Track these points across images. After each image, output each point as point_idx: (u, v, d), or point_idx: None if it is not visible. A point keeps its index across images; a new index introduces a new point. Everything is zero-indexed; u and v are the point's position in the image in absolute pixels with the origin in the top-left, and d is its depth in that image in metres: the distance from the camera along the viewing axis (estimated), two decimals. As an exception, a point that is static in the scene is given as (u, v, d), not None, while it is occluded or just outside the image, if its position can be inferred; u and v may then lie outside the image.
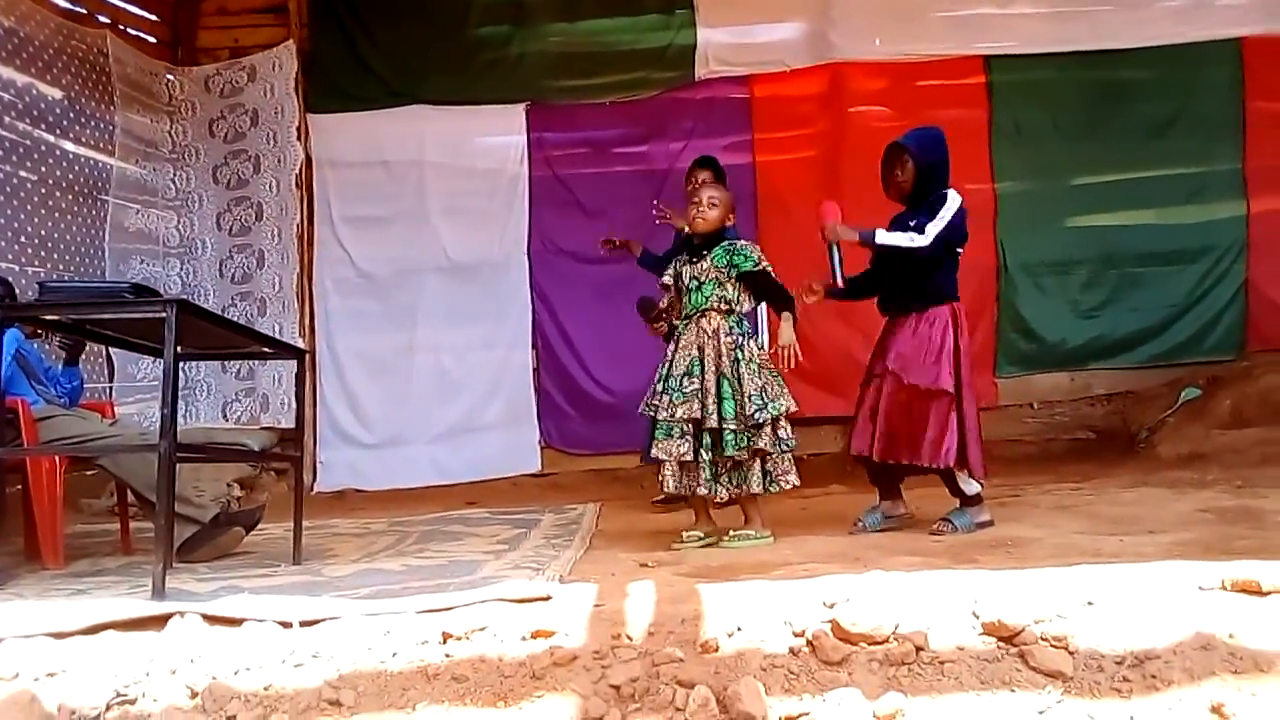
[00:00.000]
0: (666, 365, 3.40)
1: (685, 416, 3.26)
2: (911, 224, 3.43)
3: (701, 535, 3.36)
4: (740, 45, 6.38)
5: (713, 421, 3.23)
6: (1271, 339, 5.90)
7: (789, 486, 3.35)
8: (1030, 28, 6.19)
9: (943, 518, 3.39)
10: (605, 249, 4.85)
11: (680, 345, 3.40)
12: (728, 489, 3.35)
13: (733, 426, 3.23)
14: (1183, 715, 1.62)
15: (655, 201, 4.81)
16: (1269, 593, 1.90)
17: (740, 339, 3.35)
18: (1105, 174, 6.16)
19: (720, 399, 3.25)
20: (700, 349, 3.34)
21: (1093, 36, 6.11)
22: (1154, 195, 6.12)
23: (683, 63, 6.40)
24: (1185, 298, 6.03)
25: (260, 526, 3.80)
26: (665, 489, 3.37)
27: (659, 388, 3.38)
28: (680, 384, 3.31)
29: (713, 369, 3.29)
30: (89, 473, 4.34)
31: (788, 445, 3.32)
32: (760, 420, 3.23)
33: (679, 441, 3.28)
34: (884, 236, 3.41)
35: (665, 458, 3.30)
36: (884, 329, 3.60)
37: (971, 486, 3.43)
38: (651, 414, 3.38)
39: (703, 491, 3.32)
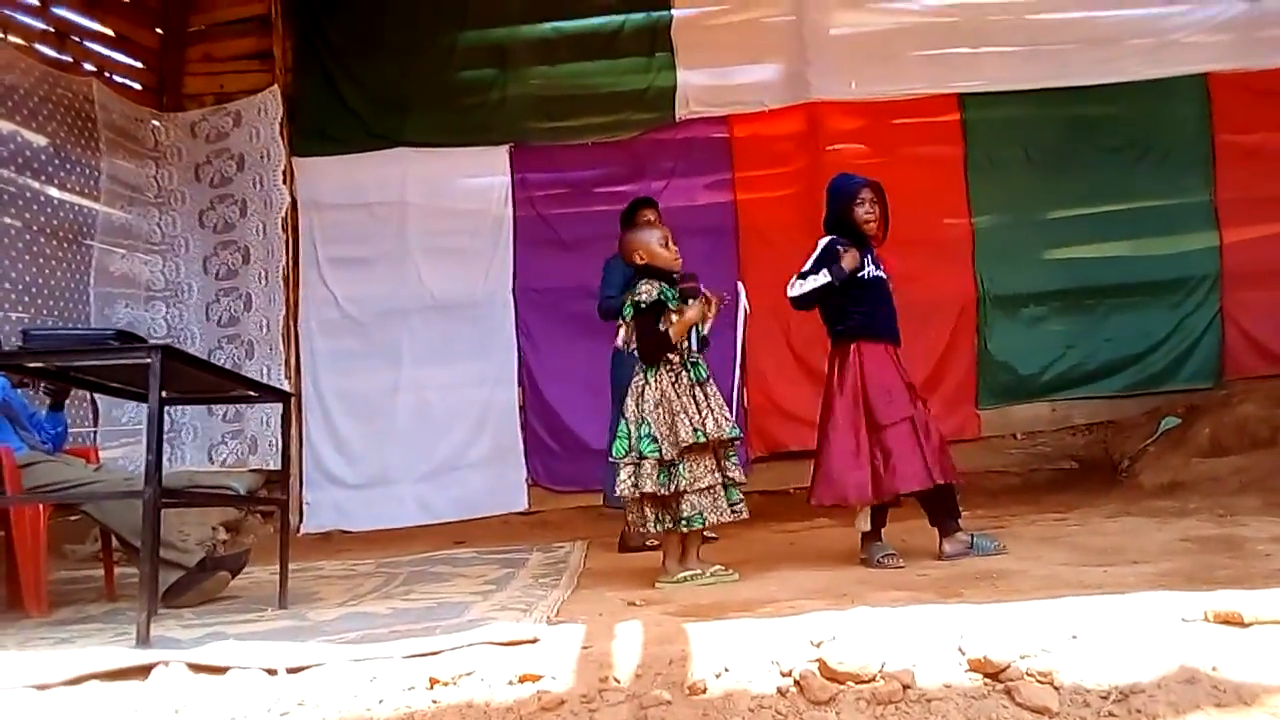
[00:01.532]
0: (694, 400, 3.36)
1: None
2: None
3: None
4: (719, 86, 6.50)
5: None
6: (1247, 367, 6.00)
7: None
8: (1003, 66, 6.32)
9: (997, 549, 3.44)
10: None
11: (700, 380, 3.39)
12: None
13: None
14: (1168, 749, 1.62)
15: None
16: (1251, 624, 1.92)
17: None
18: (1080, 207, 6.27)
19: None
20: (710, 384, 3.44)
21: (1064, 73, 6.24)
22: (1128, 227, 6.23)
23: (663, 104, 6.50)
24: (1162, 327, 6.11)
25: (246, 569, 3.77)
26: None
27: (706, 413, 3.34)
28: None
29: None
30: (73, 518, 4.31)
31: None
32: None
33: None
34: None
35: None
36: (884, 362, 3.57)
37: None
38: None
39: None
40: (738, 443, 3.41)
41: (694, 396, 3.33)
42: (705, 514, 3.27)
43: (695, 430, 3.24)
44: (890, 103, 6.34)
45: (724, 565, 3.38)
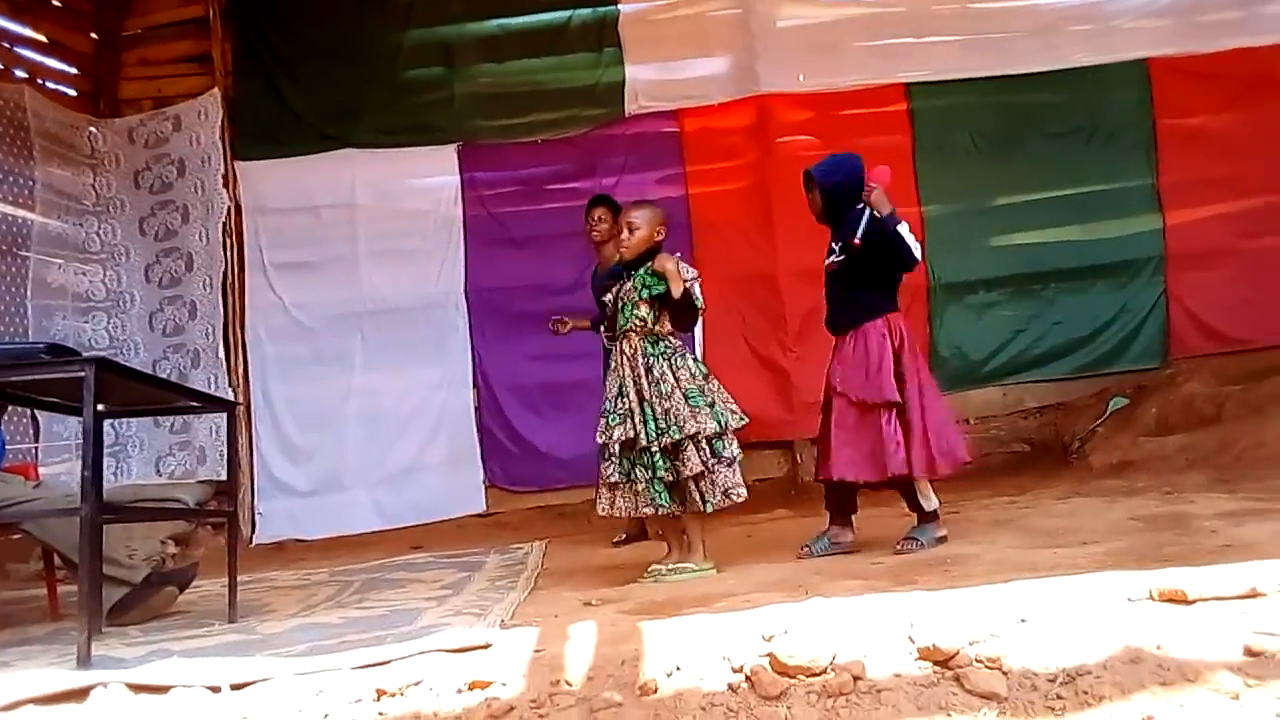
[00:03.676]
0: (607, 390, 3.44)
1: (619, 438, 3.29)
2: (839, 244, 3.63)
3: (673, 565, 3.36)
4: (668, 81, 6.47)
5: (643, 442, 3.25)
6: (1192, 346, 6.10)
7: (727, 503, 3.31)
8: (947, 55, 6.37)
9: (907, 535, 3.43)
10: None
11: (610, 369, 3.45)
12: (671, 508, 3.31)
13: (655, 448, 3.24)
14: (1114, 729, 1.64)
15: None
16: (1195, 601, 1.94)
17: (653, 361, 3.34)
18: (1026, 193, 6.34)
19: (645, 420, 3.27)
20: (622, 372, 3.37)
21: (1007, 61, 6.29)
22: (1073, 212, 6.30)
23: (612, 99, 6.46)
24: (1108, 310, 6.19)
25: (197, 583, 3.69)
26: (599, 511, 3.41)
27: (605, 409, 3.40)
28: (615, 406, 3.35)
29: (633, 391, 3.31)
30: (14, 537, 4.18)
31: (727, 459, 3.31)
32: (668, 444, 3.23)
33: (606, 464, 3.33)
34: (904, 230, 3.50)
35: (601, 481, 3.34)
36: (833, 350, 3.68)
37: (930, 502, 3.50)
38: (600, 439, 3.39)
39: (648, 512, 3.33)
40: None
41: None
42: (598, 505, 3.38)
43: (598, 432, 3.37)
44: (838, 94, 6.34)
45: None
